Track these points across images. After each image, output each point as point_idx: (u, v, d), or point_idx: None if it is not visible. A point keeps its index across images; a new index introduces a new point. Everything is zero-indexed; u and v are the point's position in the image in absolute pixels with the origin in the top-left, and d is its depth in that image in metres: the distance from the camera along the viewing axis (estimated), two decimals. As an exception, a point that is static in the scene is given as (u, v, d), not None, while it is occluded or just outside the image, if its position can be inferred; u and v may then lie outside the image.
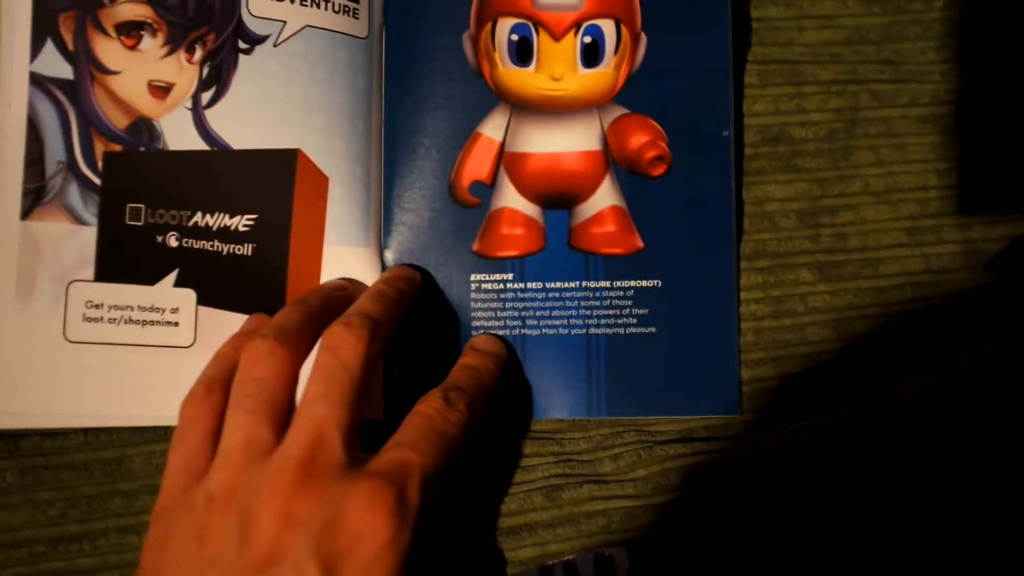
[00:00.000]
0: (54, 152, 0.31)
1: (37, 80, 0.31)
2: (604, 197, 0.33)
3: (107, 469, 0.32)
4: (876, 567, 0.32)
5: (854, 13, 0.35)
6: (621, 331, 0.33)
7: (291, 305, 0.29)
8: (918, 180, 0.35)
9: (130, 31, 0.32)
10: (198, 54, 0.32)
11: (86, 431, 0.32)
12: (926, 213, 0.34)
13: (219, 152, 0.32)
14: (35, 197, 0.31)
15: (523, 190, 0.33)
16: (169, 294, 0.32)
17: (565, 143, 0.33)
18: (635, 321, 0.33)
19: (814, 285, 0.34)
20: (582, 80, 0.33)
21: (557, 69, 0.33)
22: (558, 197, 0.33)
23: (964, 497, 0.32)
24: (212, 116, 0.32)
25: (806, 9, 0.35)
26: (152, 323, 0.32)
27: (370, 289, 0.30)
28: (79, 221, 0.32)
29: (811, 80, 0.35)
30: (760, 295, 0.34)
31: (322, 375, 0.26)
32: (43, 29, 0.31)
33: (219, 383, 0.28)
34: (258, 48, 0.32)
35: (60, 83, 0.32)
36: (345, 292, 0.31)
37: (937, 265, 0.34)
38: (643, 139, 0.33)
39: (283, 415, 0.26)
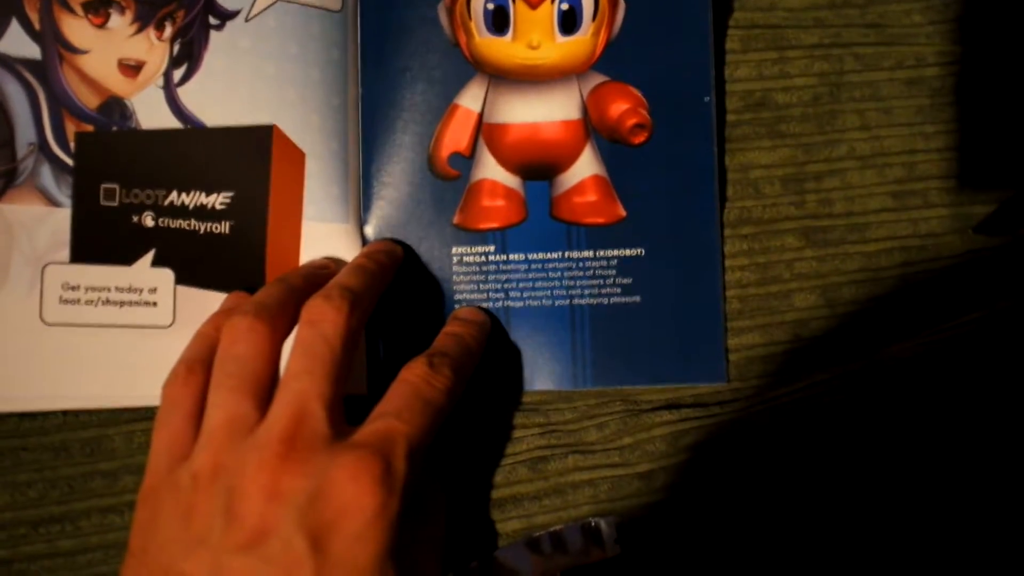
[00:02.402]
0: (24, 134, 0.31)
1: (4, 61, 0.31)
2: (585, 166, 0.33)
3: (87, 449, 0.32)
4: (865, 532, 0.32)
5: (837, -25, 0.35)
6: (605, 301, 0.32)
7: (272, 283, 0.29)
8: (905, 144, 0.34)
9: (97, 9, 0.31)
10: (168, 31, 0.32)
11: (65, 412, 0.32)
12: (913, 176, 0.34)
13: (193, 130, 0.32)
14: (6, 180, 0.31)
15: (503, 161, 0.33)
16: (147, 274, 0.32)
17: (544, 112, 0.33)
18: (619, 291, 0.32)
19: (800, 251, 0.33)
20: (560, 48, 0.33)
21: (534, 37, 0.33)
22: (539, 167, 0.33)
23: (953, 460, 0.32)
24: (184, 94, 0.32)
25: (787, -28, 0.35)
26: (130, 304, 0.31)
27: (350, 263, 0.30)
28: (53, 203, 0.31)
29: (794, 44, 0.34)
30: (745, 262, 0.33)
31: (303, 349, 0.26)
32: (7, 8, 0.31)
33: (200, 363, 0.27)
34: (229, 24, 0.32)
35: (27, 63, 0.31)
36: (327, 270, 0.31)
37: (925, 229, 0.34)
38: (623, 107, 0.32)
39: (266, 391, 0.26)
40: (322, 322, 0.26)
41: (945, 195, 0.34)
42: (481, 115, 0.33)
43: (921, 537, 0.32)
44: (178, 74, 0.32)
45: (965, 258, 0.34)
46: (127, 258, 0.31)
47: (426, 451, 0.26)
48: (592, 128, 0.33)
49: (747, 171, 0.34)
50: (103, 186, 0.31)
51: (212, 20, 0.32)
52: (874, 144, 0.34)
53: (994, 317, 0.33)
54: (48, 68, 0.31)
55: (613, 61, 0.33)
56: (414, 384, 0.27)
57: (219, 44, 0.32)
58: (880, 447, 0.32)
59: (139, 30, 0.32)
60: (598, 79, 0.33)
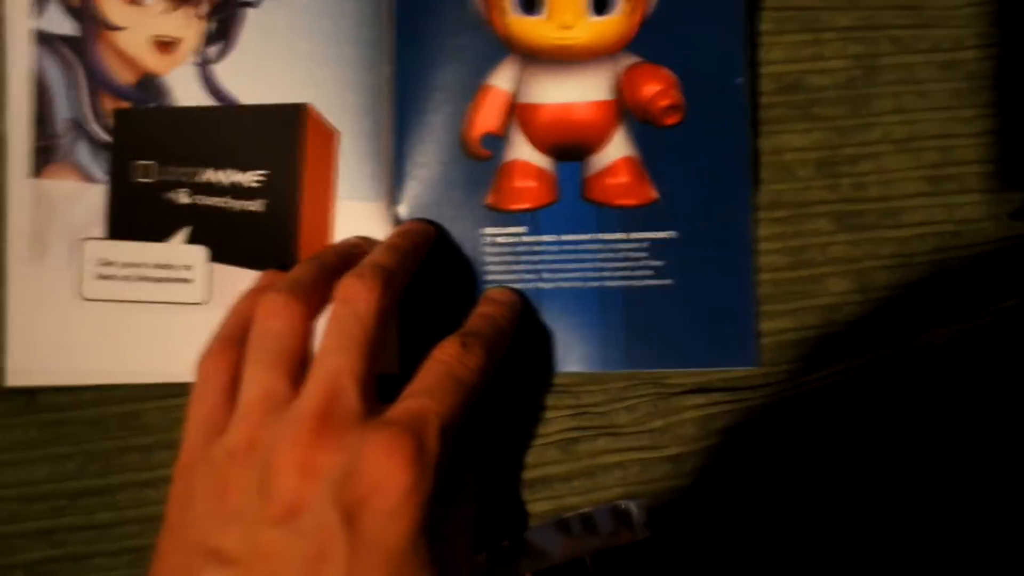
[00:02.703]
0: (62, 110, 0.32)
1: (43, 38, 0.31)
2: (617, 147, 0.32)
3: (122, 424, 0.32)
4: (896, 519, 0.31)
5: (873, -43, 0.34)
6: (637, 283, 0.32)
7: (305, 261, 0.29)
8: (940, 128, 0.34)
9: None
10: (203, 8, 0.32)
11: (100, 387, 0.32)
12: (949, 161, 0.34)
13: (227, 107, 0.32)
14: (45, 155, 0.31)
15: (535, 142, 0.33)
16: (181, 251, 0.32)
17: (576, 93, 0.33)
18: (651, 273, 0.32)
19: (833, 235, 0.33)
20: (593, 28, 0.33)
21: (567, 17, 0.33)
22: (570, 148, 0.33)
23: (986, 448, 0.32)
24: (219, 71, 0.32)
25: (823, -47, 0.34)
26: (165, 280, 0.32)
27: (383, 242, 0.30)
28: (89, 179, 0.32)
29: (829, 26, 0.34)
30: (778, 245, 0.33)
31: (336, 327, 0.26)
32: None
33: (234, 339, 0.28)
34: (264, 1, 0.32)
35: (66, 40, 0.32)
36: (360, 249, 0.31)
37: (960, 215, 0.33)
38: (656, 88, 0.32)
39: (299, 368, 0.26)
40: (355, 300, 0.27)
41: (982, 180, 0.33)
42: (514, 95, 0.33)
43: (952, 524, 0.31)
44: (213, 51, 0.32)
45: (1001, 244, 0.33)
46: (162, 235, 0.32)
47: (458, 431, 0.26)
48: (624, 109, 0.33)
49: (780, 154, 0.33)
50: (139, 163, 0.32)
51: None
52: (909, 128, 0.34)
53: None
54: (86, 45, 0.32)
55: (646, 42, 0.33)
56: (446, 364, 0.27)
57: (254, 21, 0.32)
58: (911, 434, 0.32)
59: (175, 7, 0.32)
60: (631, 60, 0.33)
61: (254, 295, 0.29)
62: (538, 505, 0.32)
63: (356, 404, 0.25)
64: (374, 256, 0.29)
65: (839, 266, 0.33)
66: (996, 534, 0.31)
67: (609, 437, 0.32)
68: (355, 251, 0.31)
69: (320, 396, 0.25)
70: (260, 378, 0.26)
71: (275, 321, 0.27)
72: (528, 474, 0.32)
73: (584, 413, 0.32)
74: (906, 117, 0.34)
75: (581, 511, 0.31)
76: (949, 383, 0.32)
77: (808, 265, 0.33)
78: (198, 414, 0.27)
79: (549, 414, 0.33)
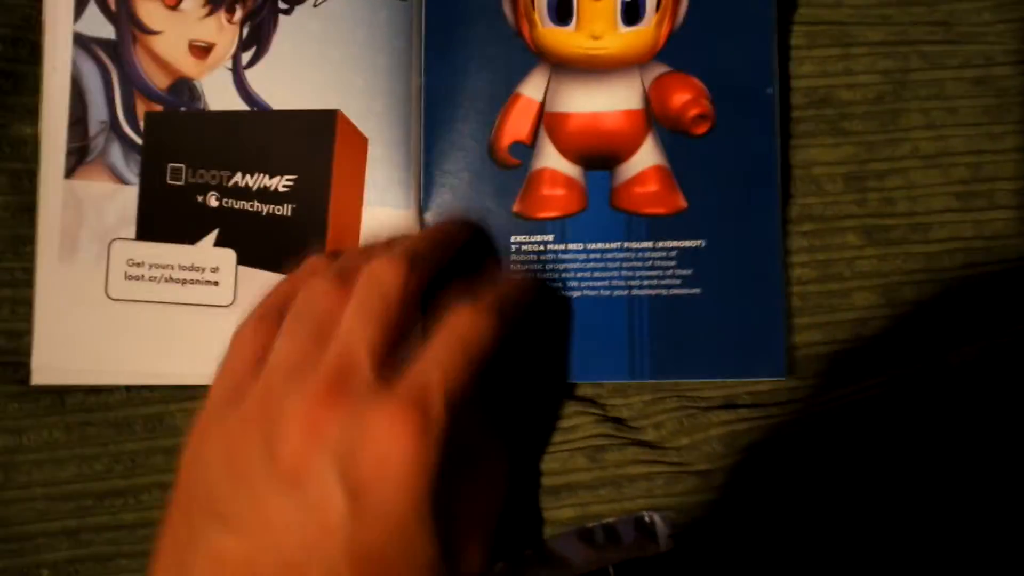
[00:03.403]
0: (97, 112, 0.32)
1: (81, 40, 0.32)
2: (646, 156, 0.33)
3: (149, 425, 0.32)
4: (924, 536, 0.31)
5: (905, -27, 0.34)
6: (664, 292, 0.32)
7: (351, 249, 0.30)
8: (970, 144, 0.34)
9: None
10: (238, 14, 0.32)
11: (128, 388, 0.32)
12: (979, 177, 0.33)
13: (259, 112, 0.32)
14: (78, 156, 0.32)
15: (564, 150, 0.33)
16: (209, 253, 0.32)
17: (606, 102, 0.33)
18: (679, 282, 0.32)
19: (861, 249, 0.33)
20: (623, 38, 0.33)
21: (597, 28, 0.33)
22: (599, 157, 0.33)
23: (1014, 465, 0.31)
24: (252, 76, 0.32)
25: (855, -31, 0.34)
26: (192, 282, 0.32)
27: (420, 232, 0.31)
28: (121, 180, 0.32)
29: (859, 41, 0.34)
30: (806, 259, 0.33)
31: (358, 300, 0.27)
32: None
33: (271, 315, 0.28)
34: (298, 8, 0.32)
35: (103, 43, 0.32)
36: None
37: (989, 231, 0.33)
38: (685, 97, 0.32)
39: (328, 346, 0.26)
40: (380, 276, 0.27)
41: (1011, 197, 0.33)
42: (543, 104, 0.33)
43: (980, 542, 0.31)
44: (246, 57, 0.32)
45: (1029, 262, 0.33)
46: (191, 237, 0.32)
47: (481, 407, 0.26)
48: (653, 118, 0.33)
49: (809, 168, 0.33)
50: (170, 165, 0.32)
51: (281, 4, 0.32)
52: (939, 144, 0.34)
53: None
54: (122, 48, 0.32)
55: (676, 52, 0.33)
56: (455, 328, 0.27)
57: (287, 28, 0.32)
58: (938, 452, 0.32)
59: (210, 12, 0.32)
60: (660, 69, 0.33)
61: (297, 279, 0.29)
62: (562, 512, 0.32)
63: (369, 375, 0.25)
64: (406, 241, 0.29)
65: (867, 280, 0.33)
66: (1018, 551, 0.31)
67: (637, 447, 0.32)
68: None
69: (332, 365, 0.25)
70: (287, 348, 0.26)
71: (316, 303, 0.27)
72: (554, 480, 0.32)
73: (611, 421, 0.32)
74: (936, 133, 0.34)
75: (604, 521, 0.31)
76: (977, 401, 0.32)
77: (836, 279, 0.33)
78: (222, 380, 0.27)
79: (575, 421, 0.32)
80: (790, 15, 0.34)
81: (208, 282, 0.32)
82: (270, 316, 0.28)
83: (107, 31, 0.32)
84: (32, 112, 0.32)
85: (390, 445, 0.24)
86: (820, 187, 0.33)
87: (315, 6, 0.32)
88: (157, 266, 0.32)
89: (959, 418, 0.32)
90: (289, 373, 0.25)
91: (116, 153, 0.32)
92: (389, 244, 0.30)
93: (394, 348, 0.26)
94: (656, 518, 0.31)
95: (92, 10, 0.32)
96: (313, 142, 0.32)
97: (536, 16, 0.33)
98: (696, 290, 0.32)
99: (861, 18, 0.34)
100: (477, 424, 0.27)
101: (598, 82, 0.33)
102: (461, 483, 0.26)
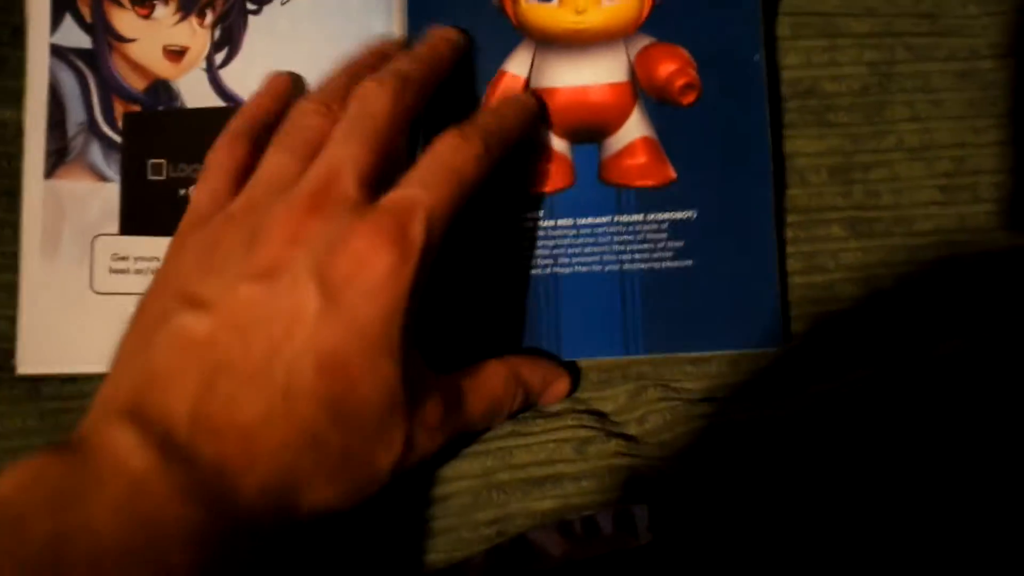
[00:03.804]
0: (75, 115, 0.33)
1: (57, 51, 0.33)
2: (634, 128, 0.32)
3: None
4: (901, 528, 0.31)
5: (890, -35, 0.34)
6: (656, 265, 0.32)
7: (337, 71, 0.31)
8: (955, 137, 0.34)
9: (143, 1, 0.33)
10: (209, 18, 0.33)
11: (104, 376, 0.32)
12: (963, 171, 0.33)
13: (235, 108, 0.33)
14: (58, 157, 0.33)
15: (551, 125, 0.33)
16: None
17: (591, 76, 0.33)
18: (671, 255, 0.32)
19: (845, 241, 0.33)
20: (606, 12, 0.33)
21: (580, 2, 0.33)
22: (587, 130, 0.33)
23: (996, 460, 0.31)
24: (226, 75, 0.33)
25: (840, -40, 0.34)
26: (177, 273, 0.32)
27: (408, 51, 0.31)
28: (102, 178, 0.33)
29: (845, 33, 0.34)
30: (791, 250, 0.33)
31: (347, 120, 0.27)
32: (62, 4, 0.33)
33: (245, 135, 0.30)
34: (266, 8, 0.33)
35: (79, 52, 0.33)
36: (389, 57, 0.31)
37: (973, 224, 0.33)
38: (671, 67, 0.32)
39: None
40: (369, 98, 0.27)
41: (995, 190, 0.33)
42: (528, 80, 0.33)
43: (959, 535, 0.31)
44: (219, 57, 0.33)
45: (1014, 255, 0.33)
46: (174, 229, 0.32)
47: (450, 223, 0.27)
48: (640, 90, 0.33)
49: (793, 159, 0.33)
50: (150, 161, 0.33)
51: (250, 5, 0.33)
52: (923, 136, 0.34)
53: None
54: (98, 56, 0.33)
55: (660, 22, 0.33)
56: (441, 154, 0.27)
57: (257, 27, 0.33)
58: (920, 445, 0.32)
59: (182, 18, 0.33)
60: (645, 40, 0.33)
61: (263, 97, 0.31)
62: (543, 504, 0.32)
63: (352, 191, 0.25)
64: (396, 62, 0.29)
65: (850, 272, 0.33)
66: (1005, 548, 0.31)
67: (619, 440, 0.32)
68: (384, 61, 0.31)
69: (317, 179, 0.26)
70: (272, 162, 0.27)
71: (303, 122, 0.28)
72: (539, 471, 0.32)
73: (594, 414, 0.32)
74: (920, 125, 0.34)
75: (584, 514, 0.31)
76: (961, 394, 0.32)
77: (820, 271, 0.33)
78: (203, 191, 0.28)
79: (558, 412, 0.32)
80: (776, 5, 0.34)
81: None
82: (244, 134, 0.29)
83: (83, 41, 0.33)
84: (12, 95, 0.33)
85: (368, 254, 0.24)
86: (805, 179, 0.33)
87: (282, 4, 0.33)
88: (142, 259, 0.32)
89: (944, 410, 0.32)
90: (273, 186, 0.26)
91: (96, 152, 0.33)
92: (377, 65, 0.30)
93: (381, 171, 0.27)
94: (636, 510, 0.31)
95: (68, 22, 0.33)
96: None
97: (519, -7, 0.33)
98: (688, 262, 0.32)
99: (847, 9, 0.34)
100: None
101: (583, 56, 0.33)
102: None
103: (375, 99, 0.27)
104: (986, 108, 0.34)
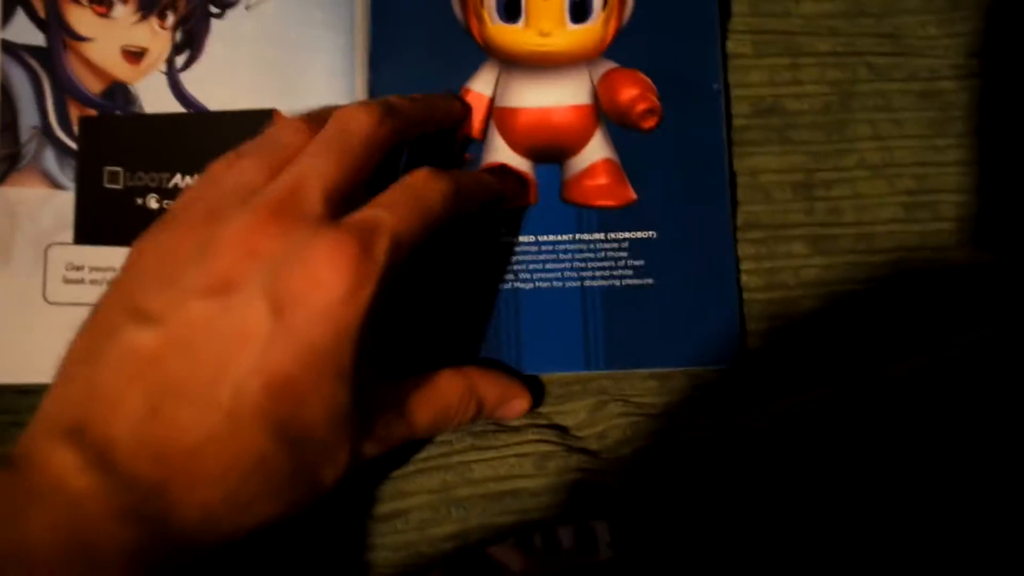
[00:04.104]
0: (28, 118, 0.32)
1: (8, 47, 0.32)
2: (595, 150, 0.33)
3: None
4: (859, 544, 0.31)
5: (853, -16, 0.35)
6: (617, 283, 0.32)
7: (325, 107, 0.30)
8: (915, 156, 0.34)
9: None
10: (170, 19, 0.32)
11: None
12: (923, 189, 0.34)
13: (196, 114, 0.32)
14: (9, 163, 0.31)
15: (514, 145, 0.33)
16: (149, 257, 0.32)
17: (555, 98, 0.33)
18: (631, 272, 0.32)
19: (807, 258, 0.33)
20: (571, 35, 0.33)
21: (546, 25, 0.33)
22: (549, 151, 0.33)
23: (953, 480, 0.32)
24: (187, 79, 0.32)
25: (803, -21, 0.35)
26: (133, 285, 0.31)
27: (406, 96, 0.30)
28: (56, 185, 0.32)
29: (807, 51, 0.34)
30: (752, 267, 0.33)
31: (321, 137, 0.26)
32: None
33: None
34: (229, 12, 0.33)
35: (32, 50, 0.32)
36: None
37: (934, 242, 0.33)
38: (633, 92, 0.33)
39: None
40: (350, 117, 0.27)
41: (954, 208, 0.34)
42: (492, 100, 0.33)
43: (920, 553, 0.31)
44: (180, 60, 0.32)
45: (974, 273, 0.33)
46: (130, 240, 0.31)
47: (412, 251, 0.26)
48: (602, 113, 0.33)
49: (756, 176, 0.34)
50: (107, 169, 0.32)
51: (213, 8, 0.33)
52: (885, 155, 0.34)
53: (1000, 335, 0.32)
54: (53, 55, 0.32)
55: (623, 48, 0.33)
56: (412, 184, 0.27)
57: (220, 31, 0.32)
58: (877, 463, 0.32)
59: (142, 18, 0.32)
60: (608, 65, 0.33)
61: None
62: (503, 519, 0.31)
63: (316, 206, 0.24)
64: (388, 97, 0.29)
65: (812, 289, 0.33)
66: (960, 567, 0.31)
67: (580, 455, 0.32)
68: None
69: (281, 190, 0.25)
70: (239, 169, 0.26)
71: (279, 135, 0.27)
72: (498, 487, 0.31)
73: (555, 428, 0.32)
74: (882, 144, 0.34)
75: (545, 529, 0.30)
76: (918, 413, 0.32)
77: (781, 288, 0.33)
78: (178, 201, 0.27)
79: (519, 427, 0.32)
80: (738, 23, 0.34)
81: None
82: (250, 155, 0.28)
83: (36, 38, 0.32)
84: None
85: (324, 274, 0.23)
86: (768, 195, 0.34)
87: (247, 8, 0.33)
88: (97, 269, 0.32)
89: (902, 429, 0.32)
90: (236, 194, 0.25)
91: (50, 158, 0.32)
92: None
93: (349, 191, 0.26)
94: (596, 526, 0.30)
95: (20, 17, 0.32)
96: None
97: (485, 13, 0.33)
98: (648, 280, 0.32)
99: (810, 28, 0.34)
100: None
101: (547, 78, 0.33)
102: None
103: (355, 119, 0.27)
104: (945, 128, 0.34)
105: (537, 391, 0.32)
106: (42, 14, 0.32)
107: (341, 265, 0.23)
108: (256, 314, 0.23)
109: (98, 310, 0.25)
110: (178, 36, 0.32)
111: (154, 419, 0.22)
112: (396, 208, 0.25)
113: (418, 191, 0.26)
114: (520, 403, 0.31)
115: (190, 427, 0.23)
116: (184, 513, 0.22)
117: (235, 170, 0.26)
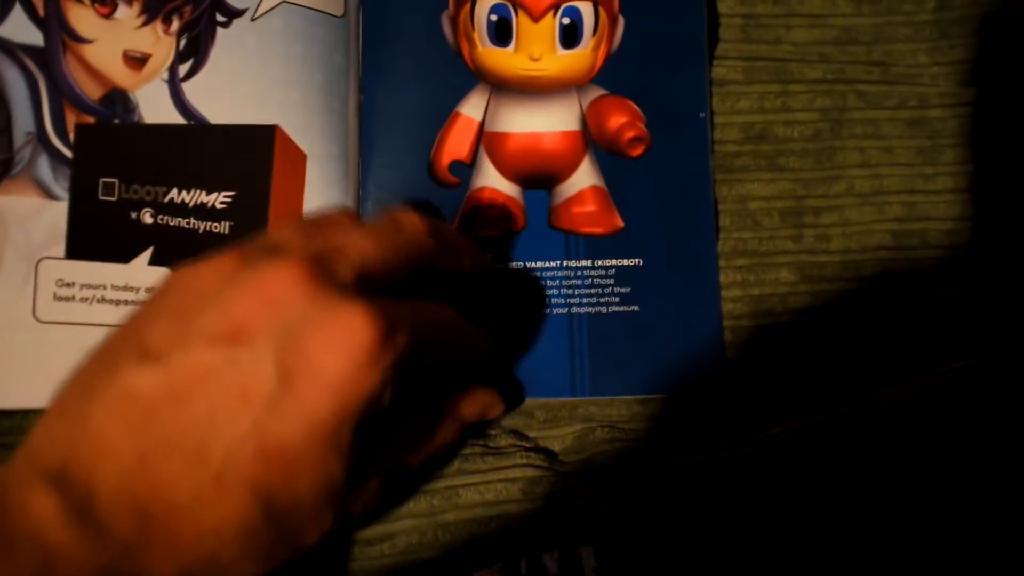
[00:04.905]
0: (23, 123, 0.31)
1: (4, 45, 0.30)
2: (584, 177, 0.33)
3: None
4: (846, 568, 0.31)
5: (844, 13, 0.35)
6: (603, 310, 0.32)
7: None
8: (904, 184, 0.34)
9: None
10: (175, 25, 0.32)
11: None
12: (912, 216, 0.34)
13: (196, 126, 0.31)
14: (1, 170, 0.30)
15: (503, 170, 0.33)
16: (144, 272, 0.31)
17: (544, 123, 0.33)
18: (617, 299, 0.32)
19: (795, 286, 0.33)
20: (561, 61, 0.33)
21: (536, 50, 0.33)
22: (538, 177, 0.33)
23: (940, 507, 0.32)
24: (189, 89, 0.32)
25: (795, 7, 0.35)
26: (126, 303, 0.31)
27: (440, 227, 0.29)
28: (49, 195, 0.31)
29: (798, 79, 0.35)
30: (739, 293, 0.33)
31: (373, 223, 0.26)
32: None
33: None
34: (236, 22, 0.32)
35: (29, 50, 0.31)
36: None
37: (922, 269, 0.34)
38: (622, 120, 0.33)
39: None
40: (405, 220, 0.26)
41: (943, 236, 0.34)
42: (482, 124, 0.33)
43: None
44: (183, 69, 0.32)
45: (962, 301, 0.34)
46: (125, 255, 0.31)
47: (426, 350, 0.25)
48: (591, 140, 0.33)
49: (745, 202, 0.34)
50: (102, 180, 0.31)
51: (219, 17, 0.32)
52: (874, 182, 0.34)
53: (989, 363, 0.33)
54: (50, 56, 0.31)
55: (612, 75, 0.33)
56: (437, 309, 0.26)
57: (226, 41, 0.32)
58: (864, 491, 0.32)
59: (146, 22, 0.32)
60: (597, 92, 0.33)
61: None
62: (489, 544, 0.31)
63: (349, 276, 0.24)
64: (442, 223, 0.29)
65: (799, 317, 0.33)
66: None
67: (567, 480, 0.32)
68: None
69: (318, 250, 0.24)
70: (286, 230, 0.25)
71: (331, 216, 0.26)
72: (485, 512, 0.32)
73: (542, 452, 0.32)
74: (871, 171, 0.34)
75: (530, 555, 0.31)
76: (905, 442, 0.32)
77: (768, 315, 0.33)
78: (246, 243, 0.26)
79: (506, 453, 0.32)
80: (729, 50, 0.34)
81: (142, 303, 0.31)
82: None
83: (34, 37, 0.31)
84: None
85: (342, 342, 0.22)
86: (756, 222, 0.34)
87: (253, 20, 0.32)
88: (89, 286, 0.31)
89: (888, 458, 0.32)
90: (275, 244, 0.24)
91: (44, 167, 0.31)
92: None
93: (383, 279, 0.25)
94: (582, 552, 0.30)
95: (17, 14, 0.31)
96: (252, 158, 0.32)
97: (476, 37, 0.33)
98: (634, 307, 0.32)
99: (800, 55, 0.35)
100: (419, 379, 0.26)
101: (537, 103, 0.33)
102: (399, 424, 0.25)
103: (409, 221, 0.26)
104: (934, 156, 0.34)
105: (516, 390, 0.32)
106: (41, 12, 0.31)
107: (362, 340, 0.22)
108: (262, 373, 0.22)
109: (111, 336, 0.25)
110: (182, 43, 0.32)
111: (141, 471, 0.22)
112: (423, 313, 0.25)
113: (442, 316, 0.26)
114: (494, 411, 0.31)
115: (176, 485, 0.22)
116: (160, 574, 0.22)
117: (279, 228, 0.26)
